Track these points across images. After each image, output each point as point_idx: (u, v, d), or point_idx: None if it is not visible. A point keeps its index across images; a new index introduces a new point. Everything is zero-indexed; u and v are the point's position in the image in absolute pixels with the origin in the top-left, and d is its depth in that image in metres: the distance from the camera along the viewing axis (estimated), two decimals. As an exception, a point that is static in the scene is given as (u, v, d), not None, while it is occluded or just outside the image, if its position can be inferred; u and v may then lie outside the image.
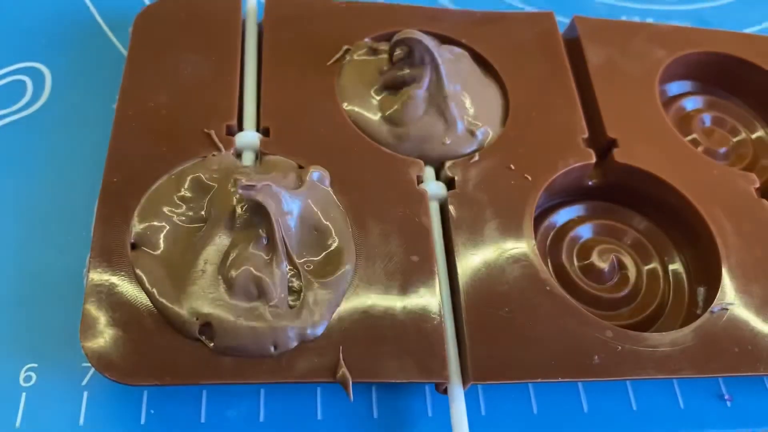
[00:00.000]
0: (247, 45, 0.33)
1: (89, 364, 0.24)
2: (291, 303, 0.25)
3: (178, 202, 0.27)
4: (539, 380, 0.25)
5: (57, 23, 0.36)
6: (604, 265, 0.30)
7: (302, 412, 0.27)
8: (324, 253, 0.26)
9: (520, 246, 0.28)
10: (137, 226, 0.26)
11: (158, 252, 0.26)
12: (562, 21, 0.37)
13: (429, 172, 0.30)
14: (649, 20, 0.42)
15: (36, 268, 0.28)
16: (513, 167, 0.30)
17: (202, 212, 0.27)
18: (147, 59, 0.31)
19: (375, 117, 0.31)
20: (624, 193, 0.33)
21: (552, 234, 0.32)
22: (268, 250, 0.25)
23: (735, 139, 0.37)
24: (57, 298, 0.27)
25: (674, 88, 0.38)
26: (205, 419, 0.26)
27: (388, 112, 0.31)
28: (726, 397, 0.29)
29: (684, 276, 0.31)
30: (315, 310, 0.25)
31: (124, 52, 0.33)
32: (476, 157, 0.30)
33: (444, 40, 0.34)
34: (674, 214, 0.32)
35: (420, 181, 0.30)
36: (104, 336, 0.24)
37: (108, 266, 0.25)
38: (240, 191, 0.24)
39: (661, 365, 0.26)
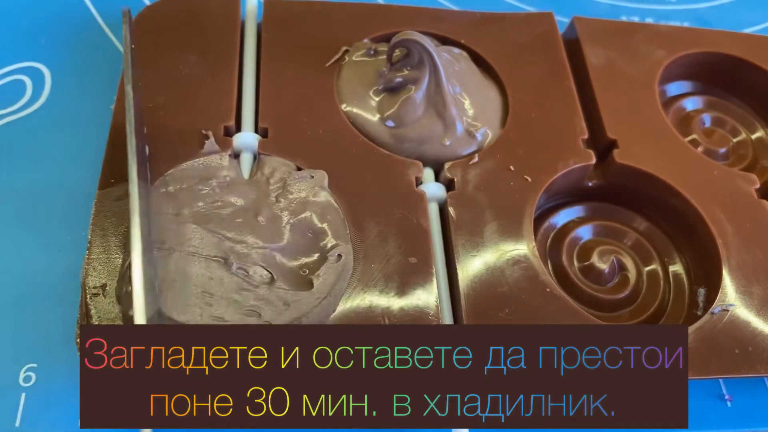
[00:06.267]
0: (246, 46, 0.33)
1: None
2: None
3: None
4: (539, 382, 0.25)
5: (57, 23, 0.36)
6: (604, 267, 0.30)
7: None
8: (321, 255, 0.26)
9: (520, 247, 0.28)
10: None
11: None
12: (562, 21, 0.37)
13: (428, 173, 0.30)
14: (649, 20, 0.42)
15: (35, 268, 0.28)
16: (513, 168, 0.30)
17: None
18: (146, 59, 0.31)
19: (374, 118, 0.31)
20: (624, 194, 0.32)
21: (552, 235, 0.32)
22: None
23: (735, 140, 0.37)
24: (56, 297, 0.27)
25: (674, 88, 0.38)
26: (204, 420, 0.26)
27: (387, 113, 0.31)
28: (726, 397, 0.29)
29: (684, 277, 0.31)
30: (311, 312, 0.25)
31: (124, 53, 0.32)
32: (476, 159, 0.30)
33: (443, 40, 0.34)
34: (674, 215, 0.32)
35: (419, 182, 0.30)
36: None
37: (104, 268, 0.25)
38: None
39: (660, 367, 0.26)
